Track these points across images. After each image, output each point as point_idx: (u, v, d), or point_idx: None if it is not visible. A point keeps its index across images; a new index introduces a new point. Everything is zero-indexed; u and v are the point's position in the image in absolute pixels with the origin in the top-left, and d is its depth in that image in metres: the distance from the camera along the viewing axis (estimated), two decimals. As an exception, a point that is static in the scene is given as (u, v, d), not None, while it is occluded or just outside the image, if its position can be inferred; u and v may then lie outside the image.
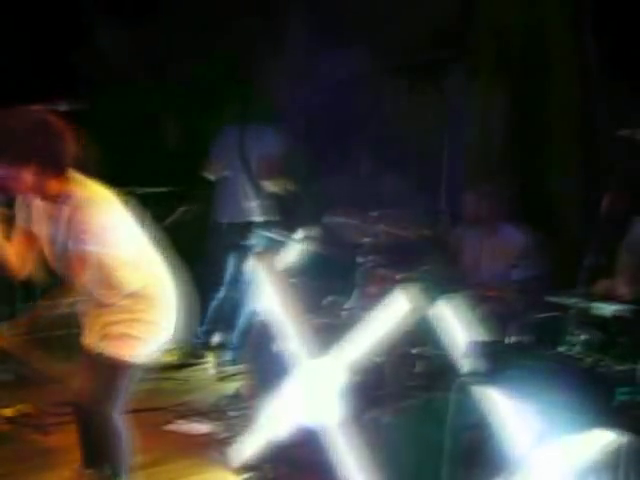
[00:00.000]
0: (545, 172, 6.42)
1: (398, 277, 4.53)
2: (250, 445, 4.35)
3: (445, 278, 4.06)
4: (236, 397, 5.45)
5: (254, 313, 5.71)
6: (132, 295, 3.50)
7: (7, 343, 3.47)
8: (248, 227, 6.37)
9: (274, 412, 4.22)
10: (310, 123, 7.14)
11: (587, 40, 6.23)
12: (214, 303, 6.59)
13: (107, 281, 3.45)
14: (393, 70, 7.03)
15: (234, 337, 6.56)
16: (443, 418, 3.53)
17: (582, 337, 3.22)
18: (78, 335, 3.72)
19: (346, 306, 4.68)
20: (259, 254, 4.63)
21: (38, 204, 3.56)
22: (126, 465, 3.66)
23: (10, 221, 3.52)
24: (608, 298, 3.49)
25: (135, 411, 3.76)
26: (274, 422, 4.21)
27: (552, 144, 6.45)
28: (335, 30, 7.10)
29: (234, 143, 6.53)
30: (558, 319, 3.47)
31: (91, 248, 3.39)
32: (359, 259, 4.54)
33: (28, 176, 3.36)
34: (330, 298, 4.80)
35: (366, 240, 4.67)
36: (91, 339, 3.66)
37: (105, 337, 3.55)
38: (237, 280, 6.55)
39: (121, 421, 3.63)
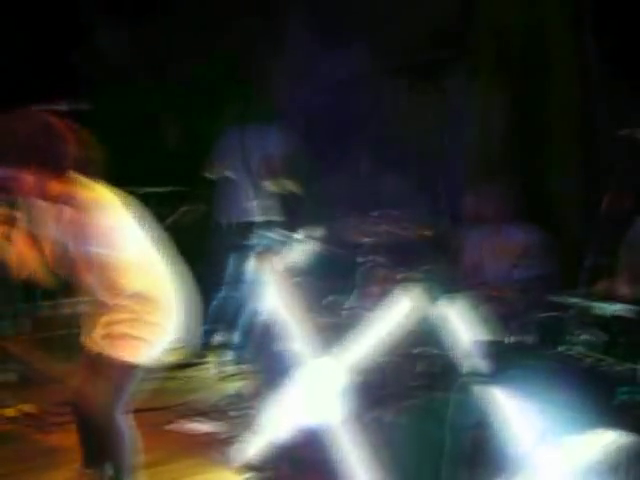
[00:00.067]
0: (545, 172, 6.43)
1: (400, 277, 4.55)
2: (253, 445, 4.34)
3: (447, 278, 4.07)
4: (239, 397, 5.44)
5: (256, 313, 5.72)
6: (135, 296, 3.50)
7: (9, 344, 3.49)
8: (250, 227, 6.38)
9: (277, 412, 4.22)
10: (310, 123, 7.13)
11: (587, 40, 6.24)
12: (216, 303, 6.60)
13: (110, 282, 3.45)
14: (393, 70, 7.04)
15: (236, 337, 6.57)
16: (445, 418, 3.55)
17: (583, 337, 3.23)
18: (79, 335, 3.73)
19: (348, 306, 4.68)
20: (261, 254, 4.63)
21: (41, 205, 3.56)
22: (129, 465, 3.66)
23: (13, 222, 3.51)
24: (609, 298, 3.50)
25: (137, 411, 3.76)
26: (277, 422, 4.21)
27: (552, 144, 6.46)
28: (335, 30, 7.11)
29: (236, 143, 6.54)
30: (560, 319, 3.49)
31: (94, 250, 3.39)
32: (361, 259, 4.54)
33: (30, 178, 3.37)
34: (332, 298, 4.80)
35: (368, 240, 4.68)
36: (93, 339, 3.66)
37: (107, 338, 3.55)
38: (239, 280, 6.56)
39: (123, 421, 3.62)
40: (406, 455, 3.76)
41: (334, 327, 4.17)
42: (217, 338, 6.73)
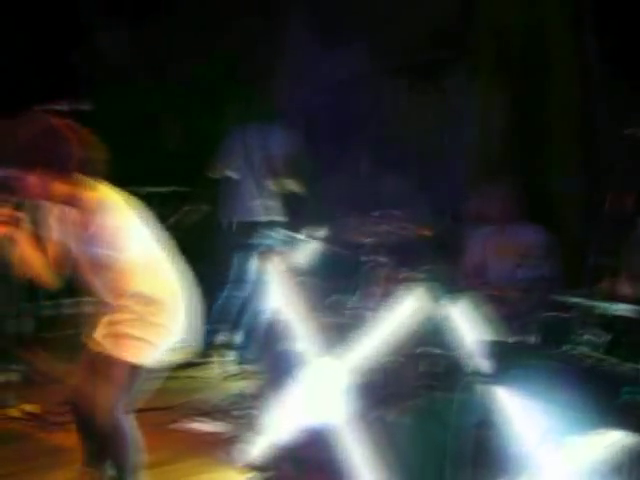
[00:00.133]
0: (545, 172, 6.43)
1: (403, 277, 4.56)
2: (257, 444, 4.35)
3: (449, 278, 4.08)
4: (242, 396, 5.45)
5: (260, 312, 5.73)
6: (139, 297, 3.50)
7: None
8: (254, 227, 6.39)
9: (281, 411, 4.23)
10: (310, 123, 7.14)
11: (587, 40, 6.24)
12: (220, 303, 6.61)
13: (114, 283, 3.45)
14: (393, 70, 7.05)
15: (240, 337, 6.58)
16: (449, 417, 3.55)
17: (587, 337, 3.24)
18: (82, 335, 3.73)
19: (351, 306, 4.69)
20: (264, 254, 4.64)
21: (45, 206, 3.57)
22: (132, 465, 3.66)
23: (17, 222, 3.51)
24: (612, 298, 3.51)
25: (141, 410, 3.76)
26: (280, 421, 4.22)
27: (552, 144, 6.46)
28: (335, 30, 7.12)
29: (239, 143, 6.55)
30: (563, 319, 3.49)
31: (99, 251, 3.40)
32: (365, 259, 4.55)
33: (35, 179, 3.37)
34: (335, 298, 4.81)
35: (369, 240, 4.69)
36: (96, 339, 3.67)
37: (110, 338, 3.54)
38: (242, 280, 6.57)
39: (126, 421, 3.61)
40: (409, 455, 3.77)
41: (337, 327, 4.18)
42: (221, 338, 6.74)
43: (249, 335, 6.48)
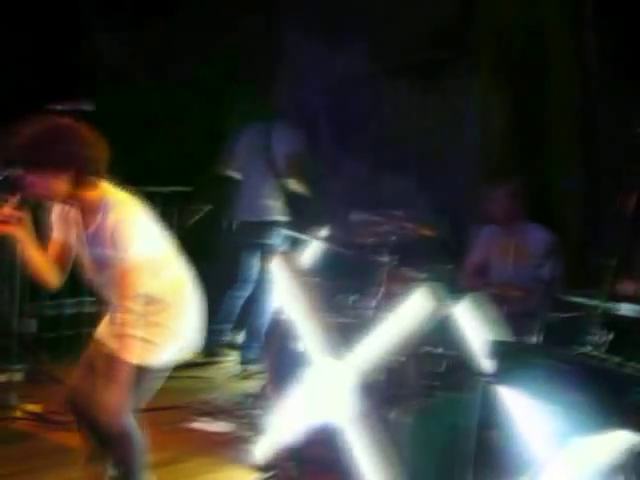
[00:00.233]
0: (545, 172, 6.44)
1: (408, 277, 4.57)
2: (264, 444, 4.35)
3: (454, 278, 4.08)
4: (254, 396, 5.47)
5: (272, 312, 5.74)
6: (146, 298, 3.49)
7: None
8: (258, 227, 6.40)
9: (288, 411, 4.23)
10: (310, 123, 7.15)
11: (588, 40, 6.25)
12: (231, 302, 6.61)
13: (127, 285, 3.44)
14: (393, 70, 7.06)
15: (247, 336, 6.59)
16: (455, 418, 3.56)
17: (594, 337, 3.24)
18: (85, 335, 3.73)
19: (357, 306, 4.70)
20: (276, 253, 4.64)
21: (50, 206, 3.57)
22: (137, 466, 3.66)
23: (22, 222, 3.51)
24: (625, 298, 3.51)
25: (152, 409, 3.76)
26: (288, 421, 4.22)
27: (552, 144, 6.47)
28: (335, 30, 7.12)
29: (243, 143, 6.56)
30: (575, 319, 3.50)
31: (105, 251, 3.40)
32: (377, 258, 4.55)
33: (41, 179, 3.37)
34: (341, 297, 4.82)
35: (372, 240, 4.69)
36: (100, 339, 3.67)
37: (115, 339, 3.53)
38: (249, 279, 6.58)
39: (131, 422, 3.61)
40: (413, 455, 3.77)
41: (342, 327, 4.18)
42: (228, 338, 6.75)
43: (253, 335, 6.49)
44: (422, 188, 6.36)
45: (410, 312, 3.82)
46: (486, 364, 3.26)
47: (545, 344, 3.69)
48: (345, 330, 4.09)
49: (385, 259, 4.56)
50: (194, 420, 5.21)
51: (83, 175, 3.40)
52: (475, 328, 3.99)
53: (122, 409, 3.47)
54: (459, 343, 4.05)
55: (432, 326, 3.84)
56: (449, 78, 6.86)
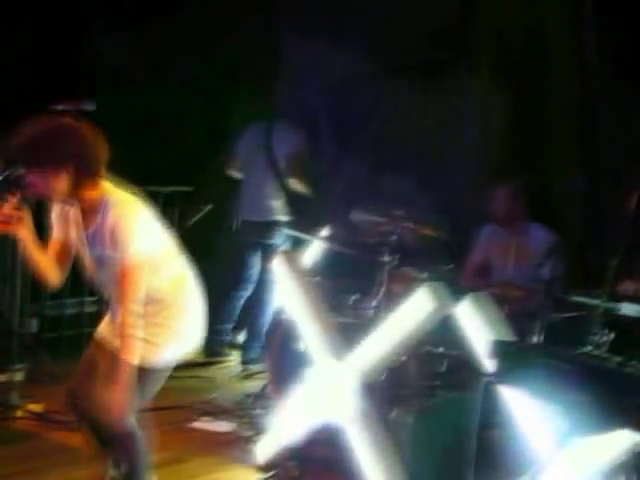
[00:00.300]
0: (545, 172, 6.44)
1: (417, 276, 4.57)
2: (269, 443, 4.36)
3: (457, 277, 4.08)
4: (257, 395, 5.47)
5: (275, 312, 5.74)
6: (152, 299, 3.50)
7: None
8: (266, 226, 6.40)
9: (291, 411, 4.24)
10: (310, 123, 7.15)
11: (588, 40, 6.25)
12: (235, 302, 6.61)
13: (128, 284, 3.43)
14: (393, 70, 7.06)
15: (251, 336, 6.59)
16: (455, 417, 3.56)
17: (602, 337, 3.23)
18: (86, 335, 3.73)
19: (365, 305, 4.70)
20: (279, 253, 4.64)
21: (52, 205, 3.58)
22: (141, 466, 3.66)
23: (23, 221, 3.51)
24: (626, 298, 3.52)
25: (156, 409, 3.77)
26: (291, 421, 4.22)
27: (552, 144, 6.48)
28: (335, 30, 7.13)
29: (245, 142, 6.55)
30: (576, 319, 3.50)
31: (106, 250, 3.40)
32: (380, 258, 4.56)
33: (42, 178, 3.37)
34: (351, 297, 4.83)
35: (376, 240, 4.70)
36: (102, 340, 3.68)
37: (117, 339, 3.53)
38: (253, 279, 6.58)
39: (134, 422, 3.61)
40: (424, 454, 3.78)
41: (344, 327, 4.18)
42: (229, 337, 6.75)
43: (254, 335, 6.50)
44: (422, 188, 6.37)
45: (411, 312, 3.81)
46: (487, 364, 3.26)
47: (546, 344, 3.69)
48: (346, 330, 4.09)
49: (386, 259, 4.56)
50: (195, 420, 5.21)
51: (83, 175, 3.40)
52: (476, 328, 3.99)
53: (123, 409, 3.47)
54: (460, 343, 4.05)
55: (433, 326, 3.83)
56: (449, 78, 6.86)
